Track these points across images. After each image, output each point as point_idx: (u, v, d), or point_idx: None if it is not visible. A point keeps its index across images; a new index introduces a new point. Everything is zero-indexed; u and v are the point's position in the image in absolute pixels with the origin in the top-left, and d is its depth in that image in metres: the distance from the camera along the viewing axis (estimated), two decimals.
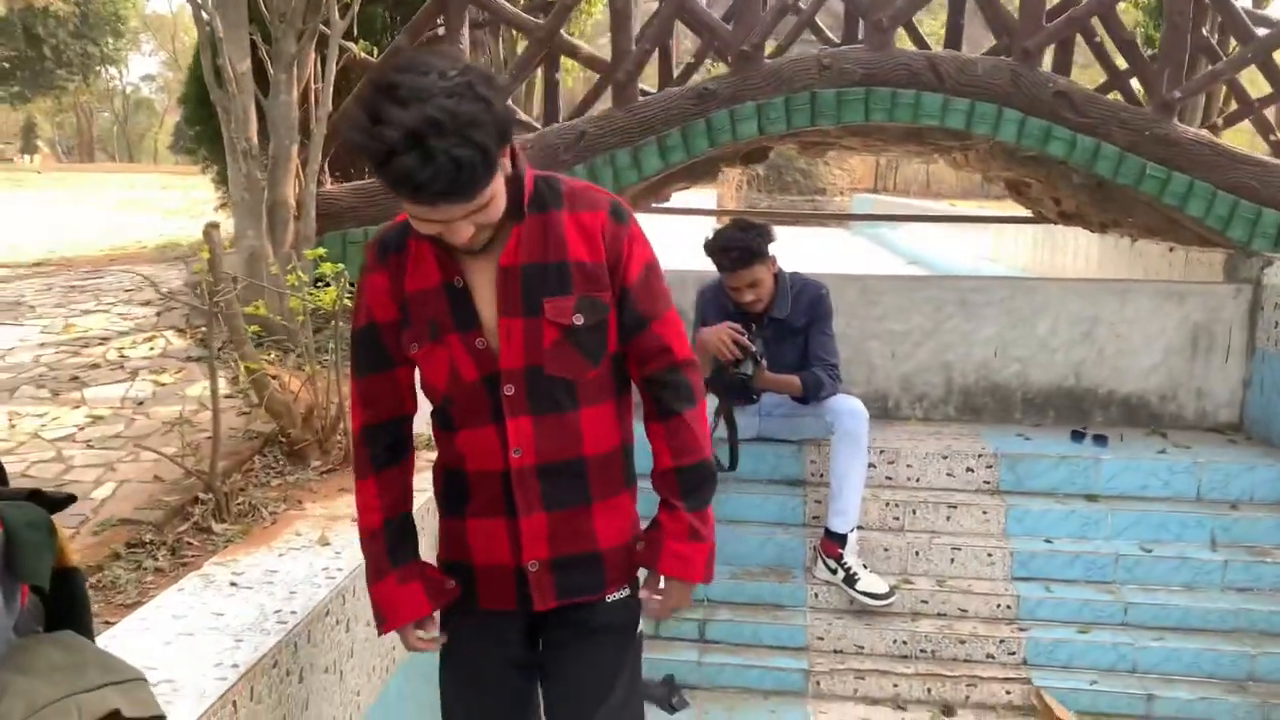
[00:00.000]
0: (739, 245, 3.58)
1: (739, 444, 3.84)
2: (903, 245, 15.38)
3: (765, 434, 4.08)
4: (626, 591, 1.79)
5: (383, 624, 1.78)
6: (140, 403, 3.50)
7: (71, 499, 1.90)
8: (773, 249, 3.69)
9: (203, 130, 6.03)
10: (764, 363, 3.60)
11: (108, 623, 2.25)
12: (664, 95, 4.62)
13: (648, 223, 6.11)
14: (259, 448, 3.23)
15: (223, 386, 3.50)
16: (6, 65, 29.60)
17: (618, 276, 1.63)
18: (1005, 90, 4.28)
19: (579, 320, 1.60)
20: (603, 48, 4.96)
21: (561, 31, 4.79)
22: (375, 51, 4.90)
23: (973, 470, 4.08)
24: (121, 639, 2.16)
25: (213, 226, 3.01)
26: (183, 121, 8.54)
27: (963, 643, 3.65)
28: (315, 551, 2.64)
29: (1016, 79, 4.29)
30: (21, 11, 24.35)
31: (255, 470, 3.13)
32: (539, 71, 6.54)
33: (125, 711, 1.74)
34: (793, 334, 3.81)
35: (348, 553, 2.64)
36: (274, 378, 3.36)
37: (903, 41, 5.65)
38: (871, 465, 4.05)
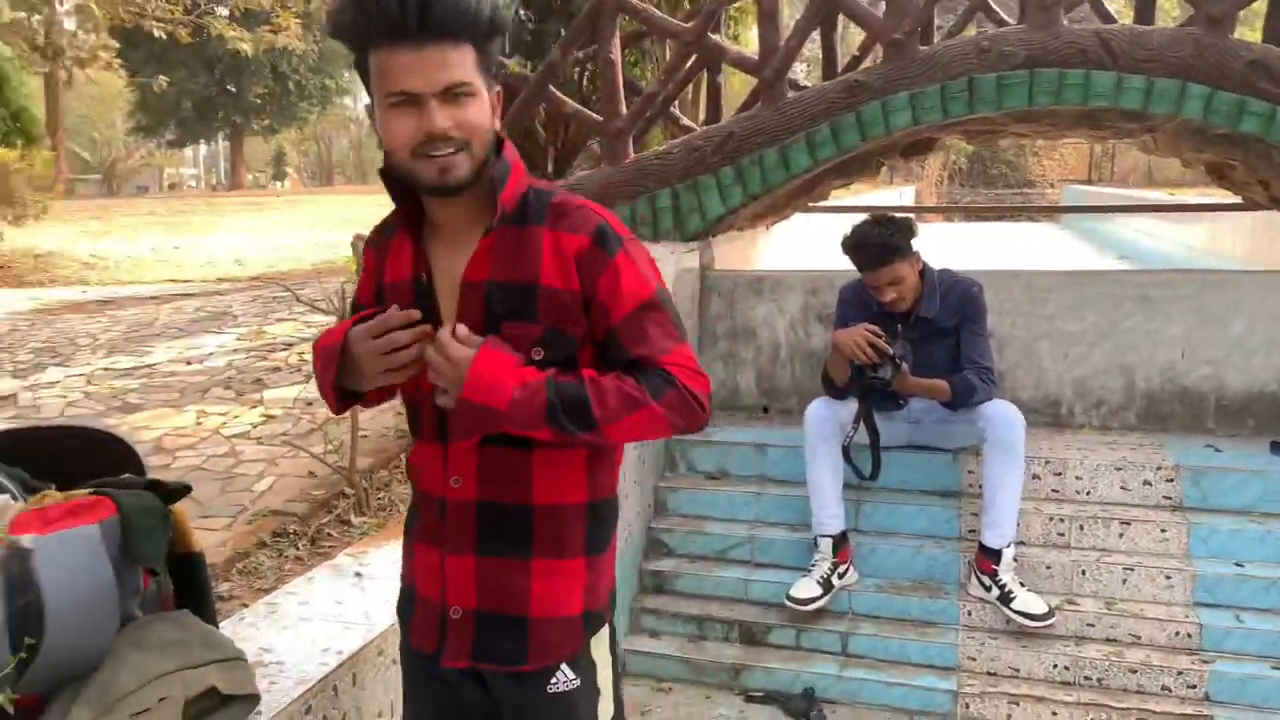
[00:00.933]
0: (875, 241, 3.44)
1: (882, 452, 3.67)
2: (1115, 238, 14.24)
3: (916, 441, 3.88)
4: (574, 682, 1.50)
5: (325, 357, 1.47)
6: (309, 403, 3.78)
7: (186, 489, 2.09)
8: (916, 244, 3.52)
9: None
10: (905, 366, 3.43)
11: (245, 605, 2.44)
12: (813, 90, 4.51)
13: (829, 221, 5.95)
14: (406, 446, 3.42)
15: None
16: (258, 101, 32.74)
17: (600, 314, 1.40)
18: (1188, 63, 3.87)
19: (539, 355, 1.37)
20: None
21: (716, 34, 4.77)
22: (530, 67, 5.06)
23: (1150, 484, 3.71)
24: (250, 621, 2.34)
25: (360, 237, 3.21)
26: None
27: (1134, 672, 3.32)
28: None
29: (1201, 50, 3.87)
30: (268, 52, 26.79)
31: (400, 467, 3.30)
32: (704, 76, 6.56)
33: (222, 688, 1.88)
34: (942, 335, 3.61)
35: None
36: None
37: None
38: (1035, 477, 3.77)
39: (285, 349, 4.49)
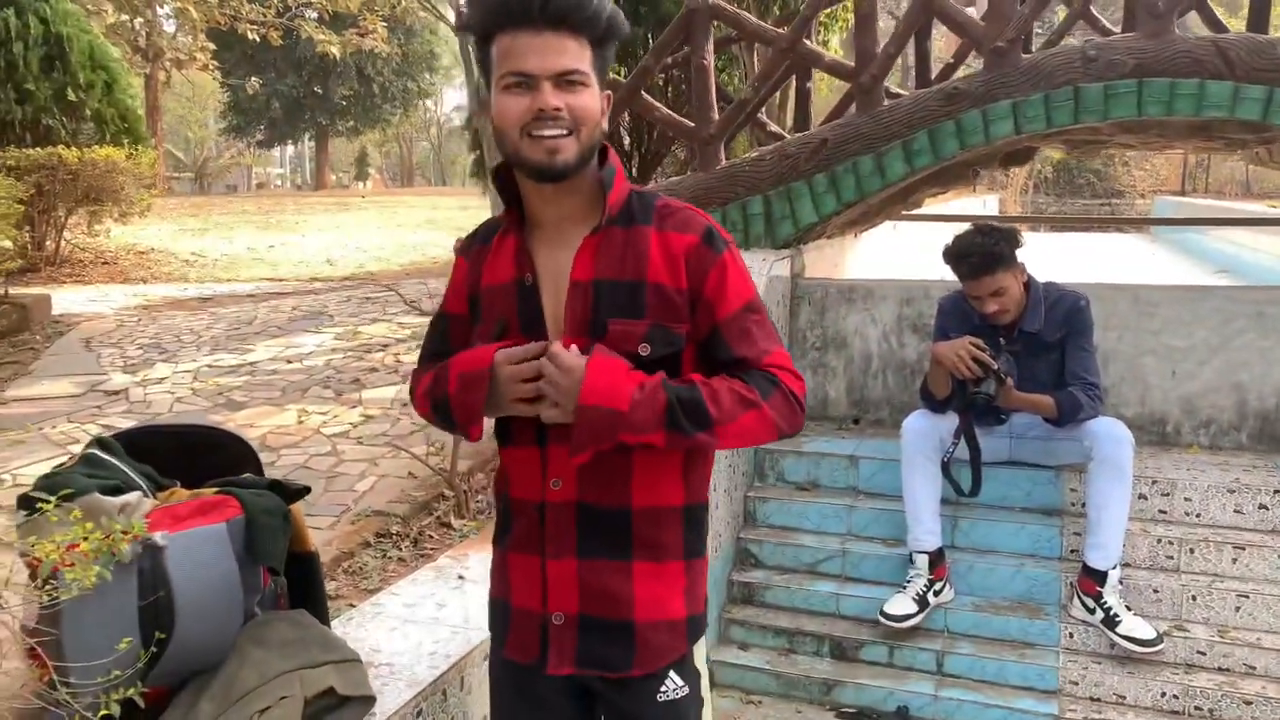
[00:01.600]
0: (978, 250, 3.36)
1: (982, 467, 3.59)
2: (1213, 251, 13.70)
3: (1018, 457, 3.78)
4: (683, 689, 1.50)
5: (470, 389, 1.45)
6: (405, 405, 3.85)
7: (306, 490, 2.14)
8: (1021, 255, 3.44)
9: (480, 155, 6.55)
10: (1010, 381, 3.34)
11: (351, 604, 2.49)
12: (910, 97, 4.43)
13: (916, 231, 5.87)
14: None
15: None
16: (343, 103, 33.47)
17: (705, 311, 1.43)
18: None
19: (645, 351, 1.39)
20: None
21: (811, 41, 4.73)
22: (624, 74, 5.08)
23: (1267, 508, 3.56)
24: (358, 621, 2.38)
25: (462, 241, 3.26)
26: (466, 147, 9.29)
27: (1248, 704, 3.19)
28: None
29: None
30: (354, 54, 27.50)
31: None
32: (792, 82, 6.51)
33: (339, 689, 1.92)
34: (1047, 349, 3.52)
35: None
36: None
37: (1196, 28, 5.08)
38: (1142, 497, 3.65)
39: (381, 350, 4.58)
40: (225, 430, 2.24)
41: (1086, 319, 3.50)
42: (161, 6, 23.03)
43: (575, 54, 1.34)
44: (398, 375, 4.23)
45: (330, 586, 2.56)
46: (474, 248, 1.54)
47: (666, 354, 1.40)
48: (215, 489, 1.94)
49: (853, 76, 4.50)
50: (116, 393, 4.06)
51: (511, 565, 1.53)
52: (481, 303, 1.49)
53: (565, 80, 1.34)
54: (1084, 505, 3.64)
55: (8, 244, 7.05)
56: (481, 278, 1.50)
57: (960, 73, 6.39)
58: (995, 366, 3.27)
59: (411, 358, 4.51)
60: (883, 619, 3.48)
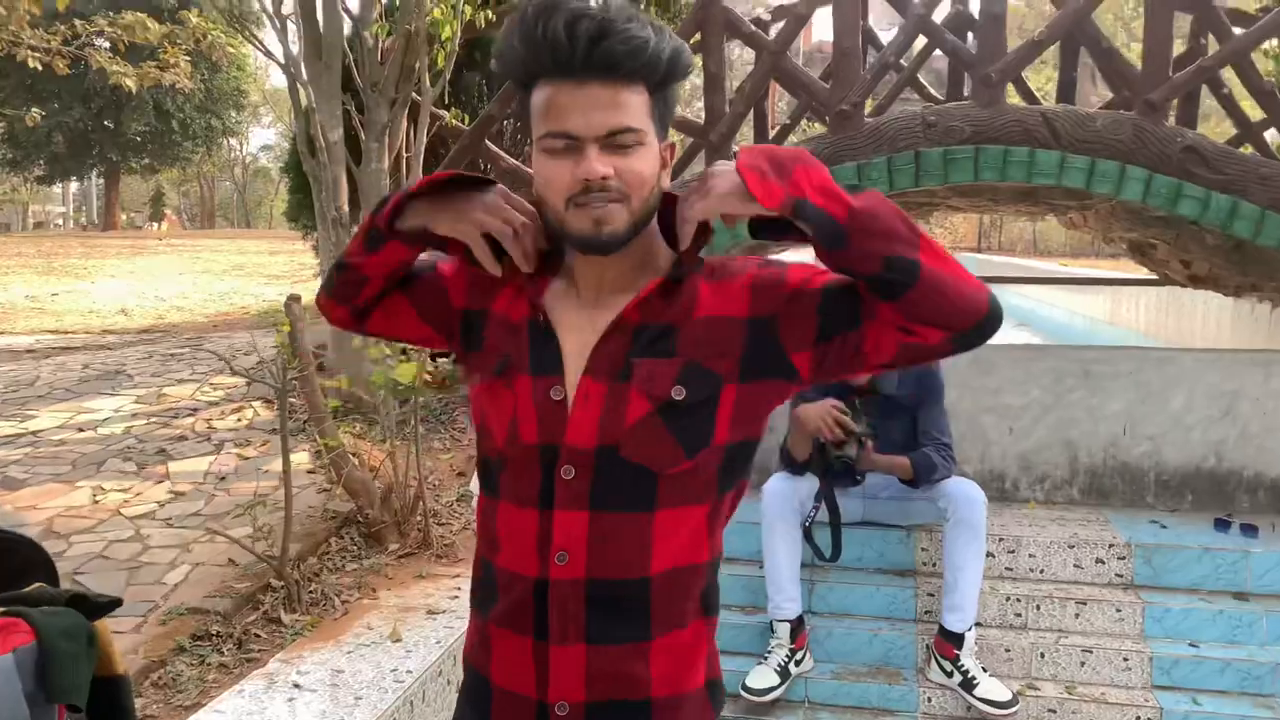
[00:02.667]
0: None
1: (841, 532, 3.55)
2: (1012, 306, 14.79)
3: (871, 518, 3.78)
4: None
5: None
6: (222, 478, 3.43)
7: (116, 603, 1.77)
8: None
9: (303, 198, 6.13)
10: (870, 444, 3.32)
11: None
12: None
13: None
14: (336, 528, 3.11)
15: (306, 461, 3.40)
16: (138, 139, 31.36)
17: (803, 300, 1.19)
18: (1128, 146, 3.96)
19: (680, 394, 1.18)
20: (698, 112, 4.82)
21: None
22: (467, 120, 4.86)
23: (1103, 561, 3.69)
24: None
25: (294, 299, 2.93)
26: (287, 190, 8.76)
27: None
28: (385, 650, 2.47)
29: (1140, 134, 3.96)
30: (152, 89, 25.83)
31: (331, 553, 2.99)
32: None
33: None
34: (900, 410, 3.54)
35: (419, 651, 2.46)
36: (354, 455, 3.25)
37: (1011, 98, 5.38)
38: (990, 554, 3.70)
39: (190, 414, 4.10)
40: (14, 534, 1.83)
41: (939, 380, 3.55)
42: None
43: (628, 108, 1.13)
44: (210, 444, 3.78)
45: (137, 704, 2.16)
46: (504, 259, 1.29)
47: (700, 399, 1.19)
48: None
49: (702, 135, 4.47)
50: None
51: (494, 641, 1.28)
52: (486, 329, 1.29)
53: (616, 141, 1.13)
54: (936, 565, 3.68)
55: None
56: (496, 297, 1.30)
57: (798, 133, 6.55)
58: (857, 430, 3.25)
59: (226, 424, 4.05)
60: (744, 693, 3.35)
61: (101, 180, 35.83)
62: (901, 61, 5.16)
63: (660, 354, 1.19)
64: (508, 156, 4.95)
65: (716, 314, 1.21)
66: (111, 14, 21.59)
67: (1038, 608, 3.61)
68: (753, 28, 4.65)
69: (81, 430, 3.90)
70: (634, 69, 1.12)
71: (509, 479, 1.25)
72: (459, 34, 4.16)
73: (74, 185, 44.99)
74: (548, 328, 1.24)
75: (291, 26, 4.15)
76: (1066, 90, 5.32)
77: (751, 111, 5.79)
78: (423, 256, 1.37)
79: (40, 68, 20.87)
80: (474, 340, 1.31)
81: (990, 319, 1.14)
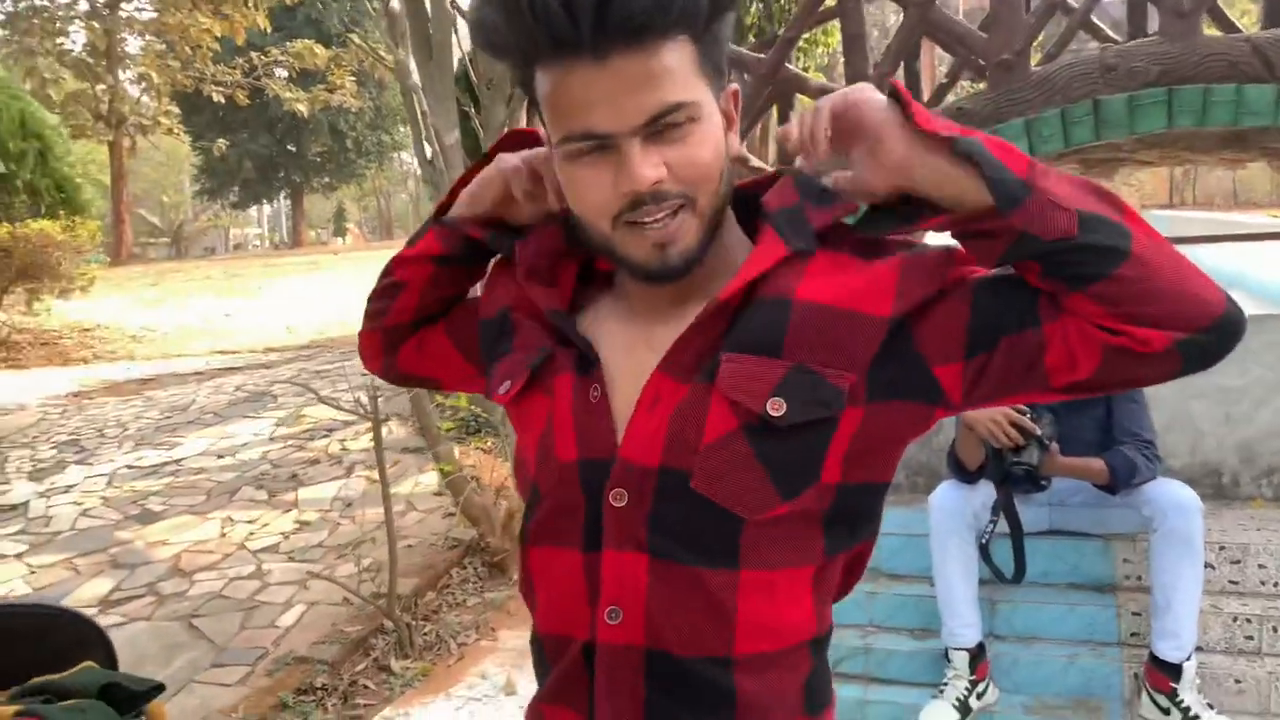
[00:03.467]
0: None
1: (1025, 544, 3.07)
2: (1218, 269, 13.30)
3: (1060, 526, 3.27)
4: None
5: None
6: (349, 504, 3.32)
7: (157, 690, 1.59)
8: None
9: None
10: (1054, 446, 2.84)
11: None
12: None
13: None
14: (458, 558, 2.92)
15: (432, 482, 3.24)
16: (317, 160, 33.29)
17: (936, 289, 0.88)
18: None
19: (777, 410, 0.85)
20: (838, 76, 4.39)
21: (790, 65, 4.28)
22: None
23: None
24: None
25: None
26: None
27: None
28: (498, 704, 2.23)
29: None
30: (325, 110, 27.29)
31: (452, 585, 2.81)
32: (773, 113, 6.06)
33: None
34: (1090, 403, 3.02)
35: None
36: (475, 478, 3.05)
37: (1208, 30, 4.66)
38: (1209, 566, 3.13)
39: (325, 435, 4.06)
40: (61, 609, 1.69)
41: None
42: (124, 72, 22.75)
43: (671, 76, 0.82)
44: (340, 467, 3.70)
45: None
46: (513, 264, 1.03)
47: (805, 421, 0.86)
48: (15, 702, 1.40)
49: None
50: (15, 507, 3.53)
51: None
52: (514, 327, 1.01)
53: (661, 126, 0.83)
54: (1140, 578, 3.15)
55: None
56: (517, 295, 1.02)
57: (956, 93, 5.98)
58: (1038, 432, 2.77)
59: (360, 444, 3.97)
60: None
61: (288, 201, 38.26)
62: (1071, 2, 4.55)
63: (760, 348, 0.86)
64: None
65: (847, 305, 0.87)
66: (284, 44, 22.89)
67: (1274, 629, 3.02)
68: None
69: (221, 457, 3.92)
70: (667, 20, 0.80)
71: (545, 515, 0.94)
72: None
73: (266, 208, 48.25)
74: (574, 315, 0.98)
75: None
76: (1276, 13, 4.54)
77: (903, 73, 5.30)
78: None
79: (224, 100, 22.36)
80: (500, 346, 1.02)
81: (1230, 320, 0.81)
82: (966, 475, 3.04)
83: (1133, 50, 3.69)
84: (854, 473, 0.90)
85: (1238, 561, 3.18)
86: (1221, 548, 3.18)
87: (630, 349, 0.94)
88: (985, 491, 3.02)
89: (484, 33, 0.87)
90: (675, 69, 0.82)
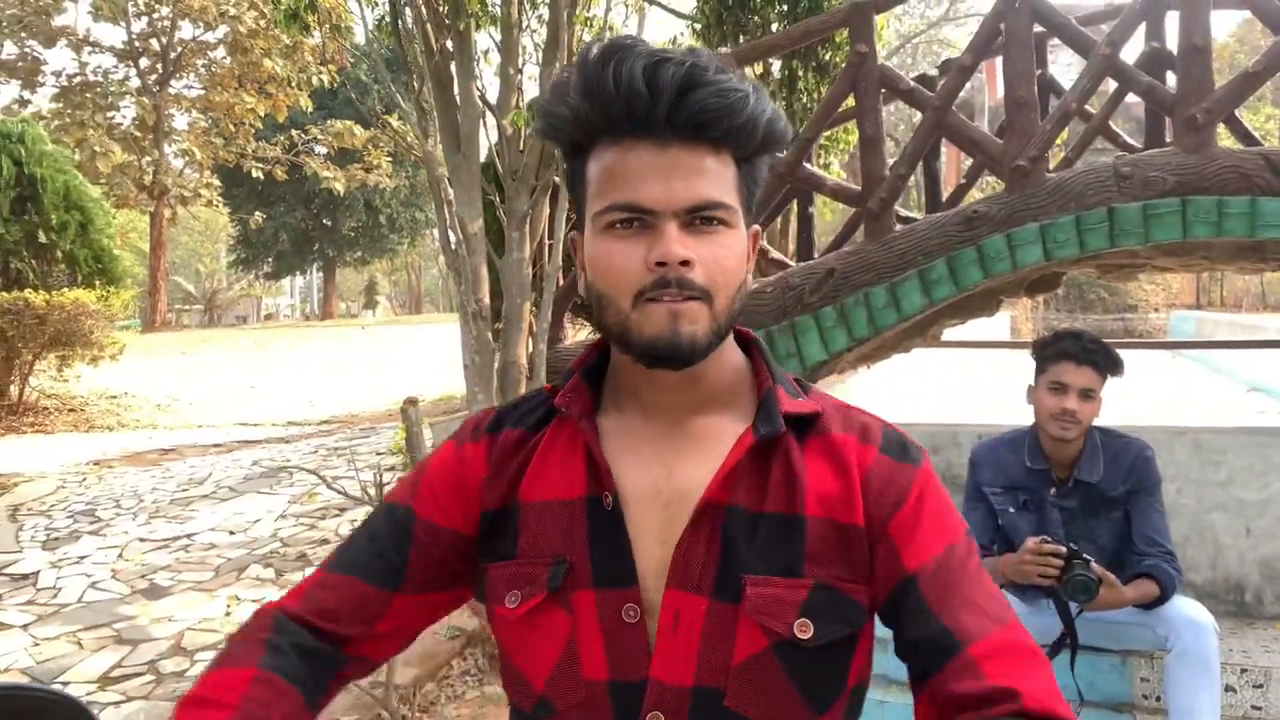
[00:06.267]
0: (1099, 344, 2.85)
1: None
2: (1238, 369, 13.16)
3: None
4: None
5: None
6: None
7: None
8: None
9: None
10: (1110, 576, 2.73)
11: None
12: (925, 223, 4.02)
13: (913, 359, 5.32)
14: (459, 649, 2.89)
15: None
16: (351, 234, 33.95)
17: (888, 558, 0.90)
18: None
19: (805, 633, 0.86)
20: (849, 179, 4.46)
21: (808, 164, 4.36)
22: None
23: None
24: None
25: (410, 402, 2.79)
26: None
27: None
28: None
29: None
30: (361, 188, 28.02)
31: (452, 677, 2.77)
32: (794, 206, 6.15)
33: None
34: (1107, 505, 2.95)
35: None
36: None
37: (1224, 141, 4.72)
38: (1229, 689, 3.04)
39: (337, 515, 4.06)
40: (50, 692, 1.69)
41: (1155, 472, 2.96)
42: (169, 146, 23.50)
43: (715, 177, 0.87)
44: None
45: None
46: (504, 432, 0.98)
47: (836, 638, 0.88)
48: None
49: (860, 201, 4.10)
50: (25, 576, 3.54)
51: None
52: (520, 526, 0.94)
53: (699, 219, 0.87)
54: (1159, 699, 3.06)
55: None
56: (522, 485, 0.95)
57: (972, 195, 6.05)
58: (1064, 550, 2.69)
59: None
60: None
61: (320, 274, 38.93)
62: (1088, 109, 4.63)
63: (785, 569, 0.88)
64: None
65: (836, 518, 0.89)
66: (324, 123, 23.52)
67: None
68: (912, 84, 4.27)
69: (232, 533, 3.92)
70: (726, 131, 0.86)
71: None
72: None
73: (299, 279, 49.08)
74: (616, 509, 0.91)
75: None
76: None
77: (922, 173, 5.38)
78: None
79: (263, 175, 22.95)
80: (500, 546, 0.95)
81: None
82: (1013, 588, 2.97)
83: (1148, 160, 3.74)
84: (866, 674, 0.93)
85: (1260, 685, 3.08)
86: (1243, 670, 3.09)
87: (652, 504, 0.92)
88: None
89: (555, 111, 0.90)
90: (721, 175, 0.88)
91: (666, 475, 0.91)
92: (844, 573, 0.88)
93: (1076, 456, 2.93)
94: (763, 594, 0.87)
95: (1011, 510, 2.98)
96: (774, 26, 6.74)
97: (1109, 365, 2.84)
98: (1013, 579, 2.79)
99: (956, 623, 0.86)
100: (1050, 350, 2.91)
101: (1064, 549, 2.68)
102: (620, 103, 0.84)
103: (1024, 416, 3.00)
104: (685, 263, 0.85)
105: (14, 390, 7.34)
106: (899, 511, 0.90)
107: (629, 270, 0.86)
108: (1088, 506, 2.95)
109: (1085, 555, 2.69)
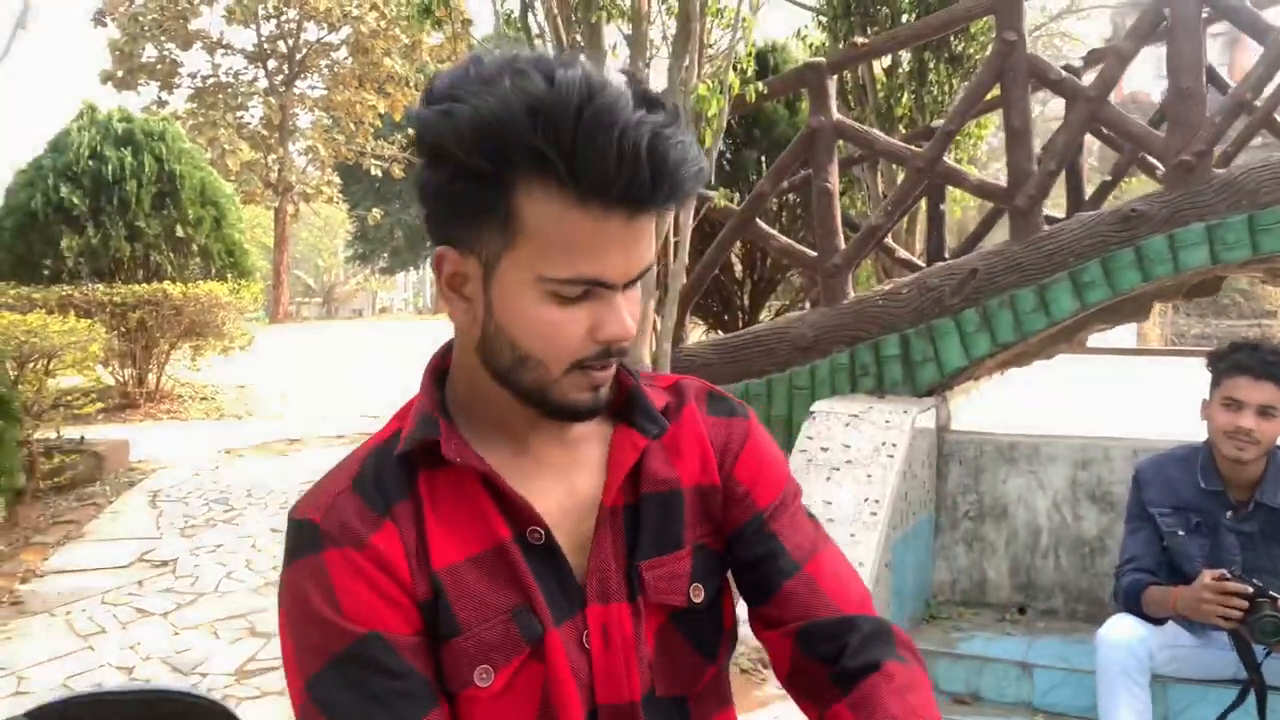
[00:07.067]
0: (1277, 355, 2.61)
1: (1199, 686, 2.77)
2: None
3: (1245, 674, 2.93)
4: None
5: None
6: None
7: None
8: None
9: None
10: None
11: None
12: (1077, 221, 3.77)
13: (1047, 367, 5.00)
14: None
15: None
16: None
17: (742, 500, 0.94)
18: None
19: (698, 596, 0.91)
20: (995, 174, 4.23)
21: (945, 158, 4.15)
22: (737, 199, 4.58)
23: None
24: None
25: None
26: None
27: None
28: None
29: None
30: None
31: None
32: (921, 204, 5.93)
33: None
34: None
35: None
36: None
37: None
38: None
39: None
40: (196, 696, 1.67)
41: None
42: (293, 144, 24.36)
43: (654, 240, 0.85)
44: None
45: None
46: (393, 507, 0.85)
47: (714, 593, 0.93)
48: None
49: (1006, 199, 3.88)
50: (165, 563, 3.63)
51: None
52: (452, 598, 0.83)
53: (634, 283, 0.84)
54: None
55: (105, 379, 6.95)
56: (432, 556, 0.84)
57: (1118, 193, 5.73)
58: (1250, 590, 2.46)
59: None
60: None
61: (432, 269, 39.94)
62: (1255, 102, 4.29)
63: (669, 545, 0.91)
64: (780, 236, 4.62)
65: (702, 482, 0.94)
66: None
67: None
68: (1063, 73, 4.02)
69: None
70: (681, 197, 0.80)
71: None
72: (727, 110, 3.90)
73: (412, 274, 50.35)
74: (548, 541, 0.86)
75: None
76: None
77: (1065, 170, 5.09)
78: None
79: (381, 173, 23.56)
80: (438, 629, 0.83)
81: None
82: (1150, 618, 2.75)
83: None
84: (734, 613, 0.97)
85: None
86: None
87: (560, 508, 0.88)
88: (1172, 632, 2.74)
89: (503, 125, 0.75)
90: (655, 235, 0.84)
91: (569, 492, 0.89)
92: (708, 530, 0.93)
93: (1258, 478, 2.69)
94: (658, 575, 0.89)
95: (1181, 533, 2.76)
96: (904, 18, 6.49)
97: None
98: (1187, 615, 2.56)
99: (797, 545, 0.94)
100: (1225, 363, 2.67)
101: (1249, 589, 2.44)
102: (619, 180, 0.75)
103: (1161, 430, 2.76)
104: (629, 339, 0.83)
105: (152, 379, 7.66)
106: (739, 461, 0.95)
107: (572, 341, 0.81)
108: (1271, 532, 2.71)
109: (1273, 593, 2.45)
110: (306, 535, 0.83)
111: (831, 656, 0.90)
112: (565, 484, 0.89)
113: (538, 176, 0.76)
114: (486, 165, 0.76)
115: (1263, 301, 22.87)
